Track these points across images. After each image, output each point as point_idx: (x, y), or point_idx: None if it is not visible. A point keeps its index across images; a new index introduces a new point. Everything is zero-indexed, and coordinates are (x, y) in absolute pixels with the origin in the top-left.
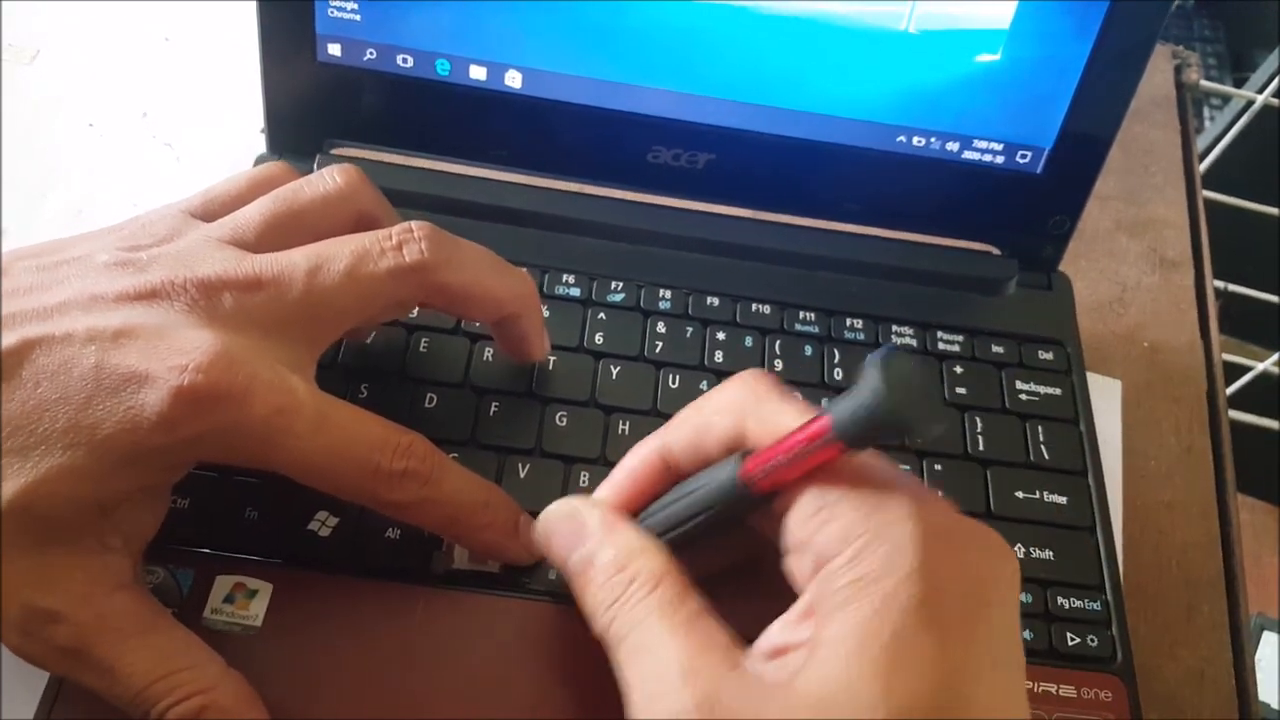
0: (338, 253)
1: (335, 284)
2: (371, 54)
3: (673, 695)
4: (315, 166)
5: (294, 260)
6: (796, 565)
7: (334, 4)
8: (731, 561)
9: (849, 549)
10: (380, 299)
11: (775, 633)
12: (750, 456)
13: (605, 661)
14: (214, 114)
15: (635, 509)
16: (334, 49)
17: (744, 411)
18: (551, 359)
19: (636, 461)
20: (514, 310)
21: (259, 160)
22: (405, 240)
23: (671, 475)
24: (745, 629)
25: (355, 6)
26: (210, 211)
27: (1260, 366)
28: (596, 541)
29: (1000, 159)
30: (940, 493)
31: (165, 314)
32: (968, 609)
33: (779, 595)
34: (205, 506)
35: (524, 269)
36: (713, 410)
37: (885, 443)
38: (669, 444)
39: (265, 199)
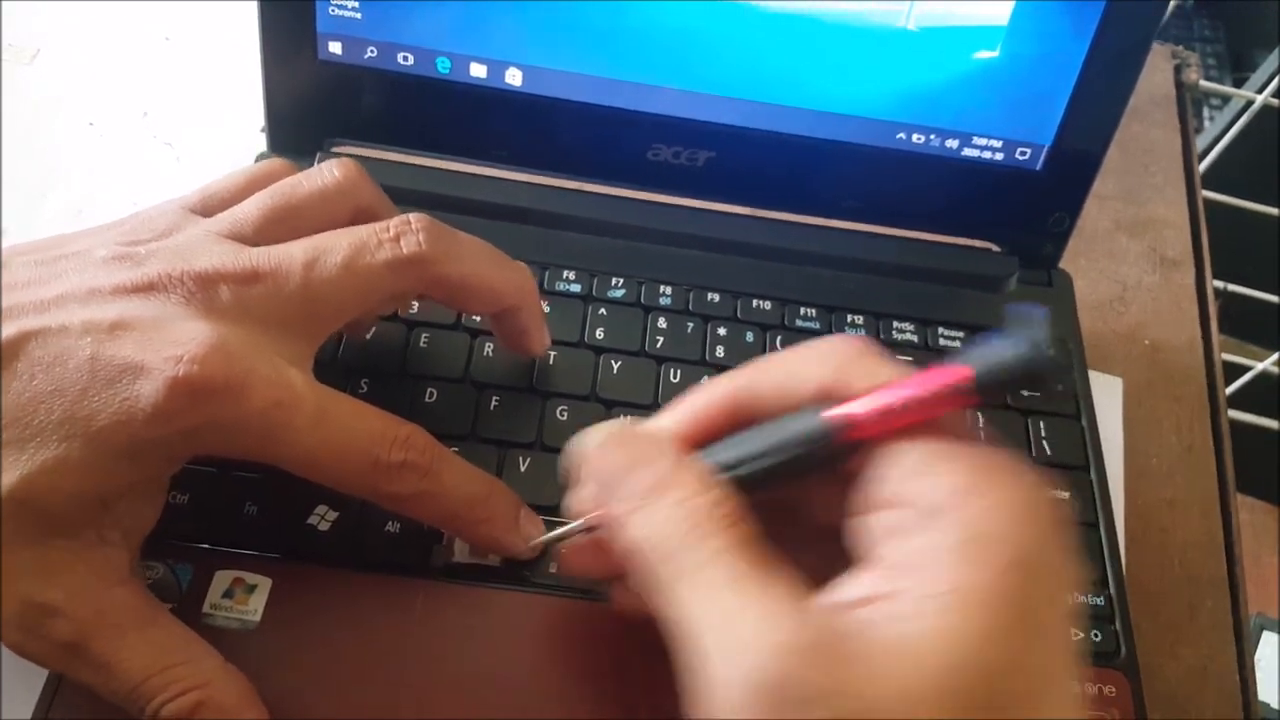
0: (335, 245)
1: (333, 276)
2: (372, 52)
3: (768, 635)
4: (316, 165)
5: (291, 253)
6: (878, 523)
7: (335, 2)
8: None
9: (968, 507)
10: (378, 291)
11: (850, 586)
12: (848, 402)
13: (606, 656)
14: (214, 113)
15: (695, 446)
16: (335, 47)
17: (844, 363)
18: (552, 354)
19: (707, 398)
20: (513, 302)
21: (260, 159)
22: (403, 232)
23: (740, 420)
24: None
25: (356, 5)
26: (209, 207)
27: (1260, 366)
28: (669, 465)
29: (1000, 156)
30: None
31: (162, 306)
32: (1063, 587)
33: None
34: (204, 501)
35: (522, 262)
36: (807, 359)
37: (1011, 394)
38: (752, 385)
39: (263, 194)
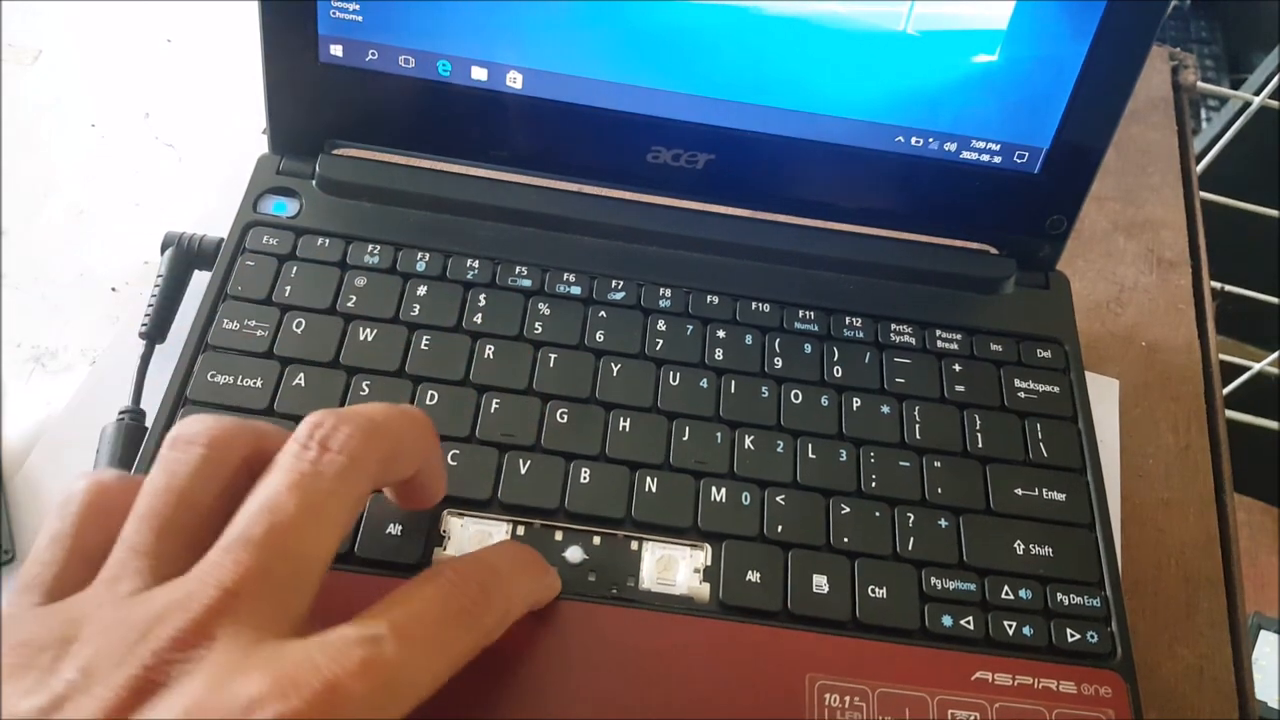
0: (274, 501)
1: (300, 534)
2: (373, 55)
3: None
4: (317, 167)
5: (226, 559)
6: None
7: (336, 5)
8: None
9: None
10: (350, 514)
11: None
12: None
13: (604, 655)
14: (216, 115)
15: None
16: (336, 50)
17: None
18: (552, 356)
19: None
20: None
21: (260, 162)
22: (326, 437)
23: None
24: None
25: (357, 7)
26: (67, 576)
27: (1257, 367)
28: None
29: (998, 159)
30: None
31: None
32: None
33: None
34: None
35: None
36: None
37: None
38: None
39: (134, 518)
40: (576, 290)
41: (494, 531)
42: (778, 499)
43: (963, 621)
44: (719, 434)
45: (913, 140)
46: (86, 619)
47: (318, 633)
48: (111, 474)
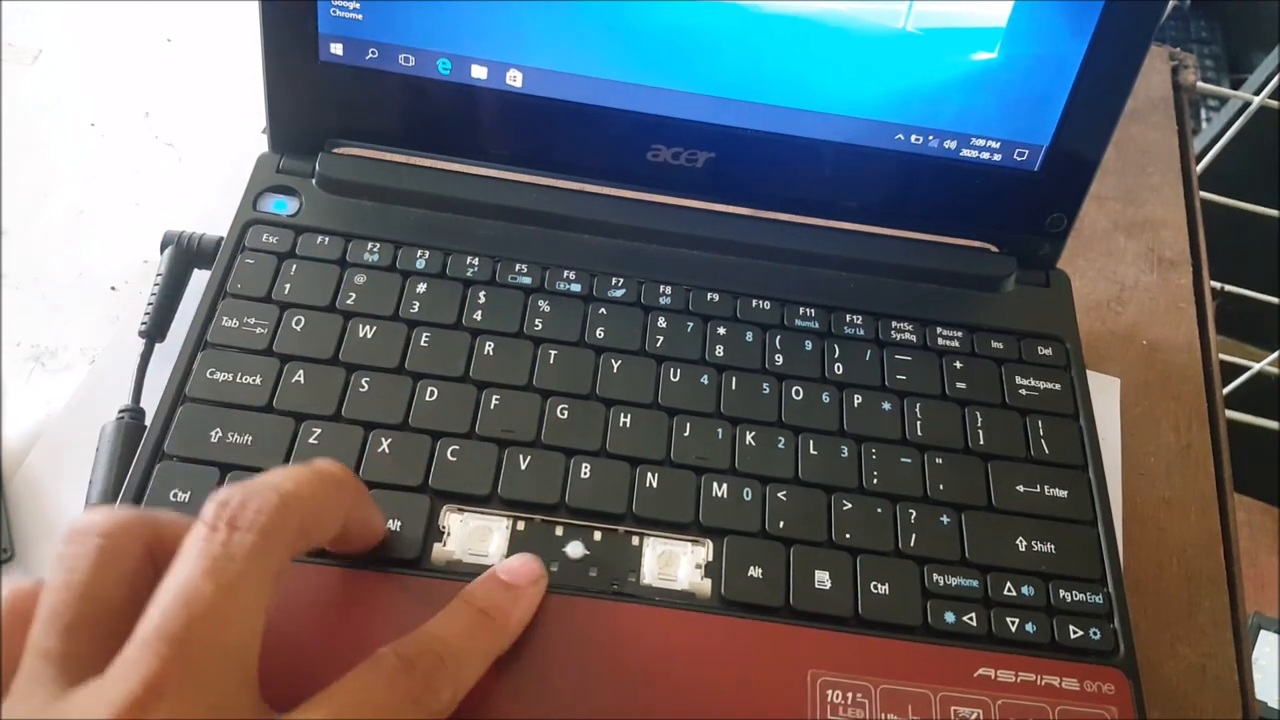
0: (188, 590)
1: (219, 622)
2: (373, 53)
3: None
4: (317, 166)
5: (145, 654)
6: None
7: (336, 4)
8: None
9: None
10: (268, 591)
11: None
12: None
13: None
14: (216, 114)
15: None
16: (336, 49)
17: None
18: (553, 353)
19: None
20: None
21: (260, 161)
22: (234, 516)
23: None
24: None
25: (357, 6)
26: None
27: (1257, 366)
28: None
29: (998, 157)
30: None
31: None
32: None
33: None
34: None
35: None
36: None
37: None
38: None
39: (38, 621)
40: (577, 288)
41: (493, 527)
42: (779, 495)
43: (965, 618)
44: (720, 430)
45: (913, 138)
46: None
47: (265, 715)
48: (27, 581)
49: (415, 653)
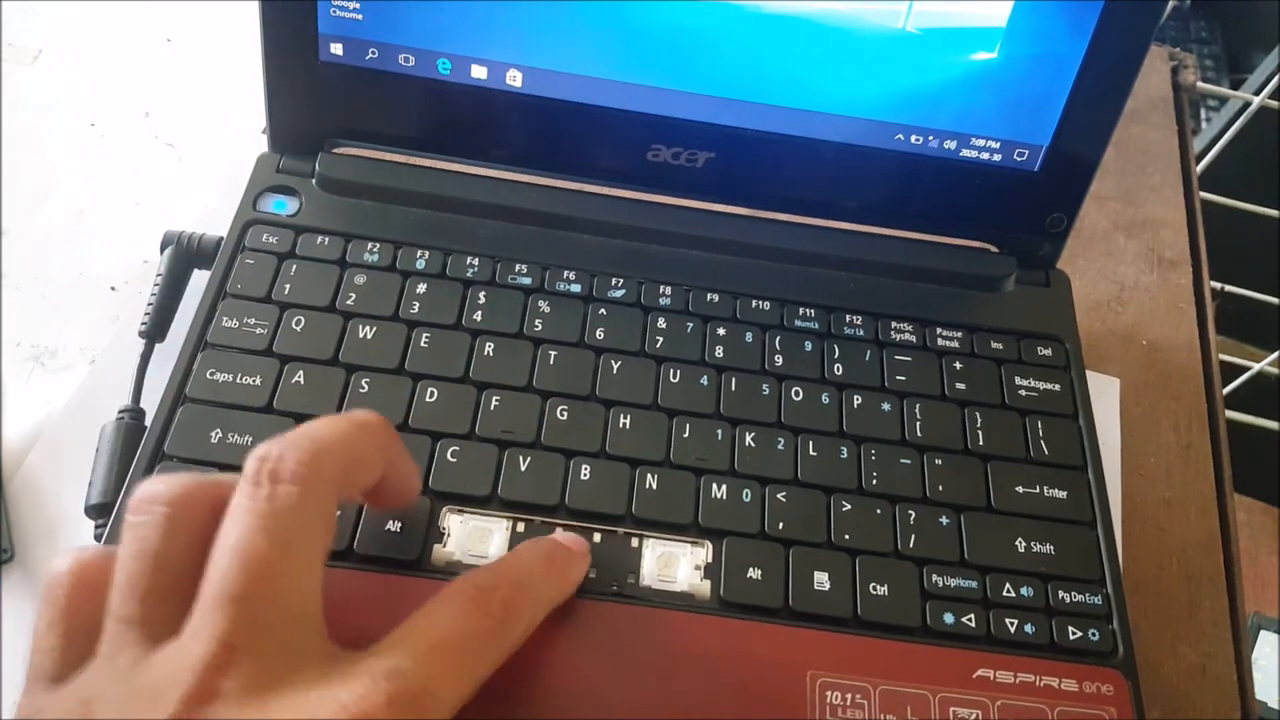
0: (244, 549)
1: (278, 575)
2: (373, 53)
3: None
4: (317, 166)
5: (215, 615)
6: None
7: (336, 4)
8: None
9: None
10: (321, 538)
11: None
12: None
13: (604, 653)
14: (216, 114)
15: None
16: (336, 48)
17: None
18: (553, 353)
19: None
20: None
21: (260, 161)
22: (274, 470)
23: None
24: None
25: (357, 6)
26: (69, 657)
27: (1257, 367)
28: None
29: (998, 157)
30: None
31: None
32: None
33: None
34: None
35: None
36: None
37: None
38: None
39: (116, 590)
40: (576, 288)
41: (493, 528)
42: (778, 496)
43: (964, 619)
44: (719, 431)
45: (912, 138)
46: (97, 698)
47: (341, 655)
48: (90, 550)
49: (492, 581)
